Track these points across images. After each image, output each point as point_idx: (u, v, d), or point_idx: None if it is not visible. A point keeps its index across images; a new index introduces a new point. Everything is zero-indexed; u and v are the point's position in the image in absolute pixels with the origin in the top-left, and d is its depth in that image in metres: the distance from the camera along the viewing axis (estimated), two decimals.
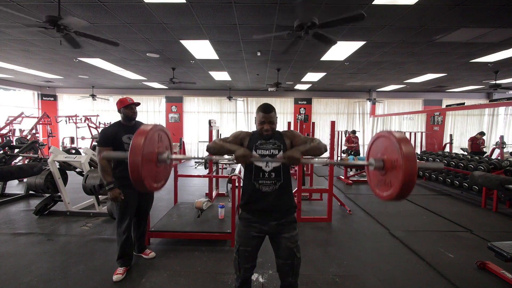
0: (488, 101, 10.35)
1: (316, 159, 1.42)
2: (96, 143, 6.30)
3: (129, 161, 1.20)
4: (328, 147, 2.29)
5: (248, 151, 1.43)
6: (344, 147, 8.76)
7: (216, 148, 1.52)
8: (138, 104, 2.37)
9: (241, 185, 1.64)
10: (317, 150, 1.50)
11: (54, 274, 2.36)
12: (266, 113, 1.53)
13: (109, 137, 2.23)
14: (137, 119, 2.42)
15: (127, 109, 2.29)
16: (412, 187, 1.16)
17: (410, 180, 1.14)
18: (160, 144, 1.40)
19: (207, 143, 5.29)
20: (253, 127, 1.66)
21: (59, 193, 3.83)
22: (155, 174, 1.36)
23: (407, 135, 8.61)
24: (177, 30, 4.26)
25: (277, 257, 1.58)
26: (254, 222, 1.55)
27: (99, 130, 9.26)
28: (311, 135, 5.76)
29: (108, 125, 3.12)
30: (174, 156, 1.46)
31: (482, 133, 7.33)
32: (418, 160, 1.12)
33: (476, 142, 7.22)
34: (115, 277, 2.29)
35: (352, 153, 8.12)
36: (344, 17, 2.81)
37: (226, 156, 1.58)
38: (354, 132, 8.52)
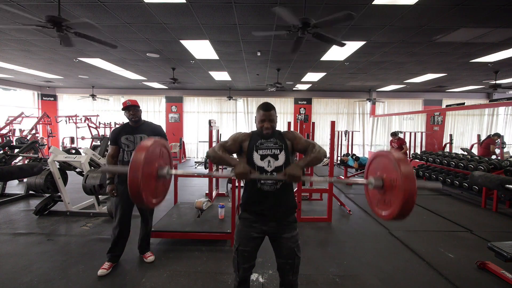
0: (488, 101, 10.34)
1: (317, 178, 1.44)
2: (96, 143, 6.33)
3: (129, 176, 1.20)
4: (328, 148, 2.30)
5: (248, 168, 1.39)
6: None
7: (216, 158, 1.50)
8: (135, 106, 2.43)
9: (241, 184, 1.64)
10: (317, 160, 1.49)
11: (54, 274, 2.36)
12: (266, 111, 1.54)
13: (114, 137, 2.44)
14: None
15: (124, 111, 2.45)
16: (412, 206, 1.16)
17: (410, 199, 1.14)
18: (160, 159, 1.41)
19: (207, 143, 5.26)
20: (253, 127, 1.65)
21: (59, 193, 3.82)
22: (154, 189, 1.37)
23: (407, 135, 8.61)
24: (177, 30, 4.26)
25: (277, 257, 1.57)
26: (254, 223, 1.54)
27: (99, 130, 9.29)
28: (311, 135, 5.76)
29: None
30: (174, 171, 1.45)
31: (497, 135, 6.30)
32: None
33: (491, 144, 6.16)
34: (100, 272, 2.34)
35: (354, 157, 6.93)
36: (334, 17, 2.83)
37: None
38: (396, 134, 6.77)
